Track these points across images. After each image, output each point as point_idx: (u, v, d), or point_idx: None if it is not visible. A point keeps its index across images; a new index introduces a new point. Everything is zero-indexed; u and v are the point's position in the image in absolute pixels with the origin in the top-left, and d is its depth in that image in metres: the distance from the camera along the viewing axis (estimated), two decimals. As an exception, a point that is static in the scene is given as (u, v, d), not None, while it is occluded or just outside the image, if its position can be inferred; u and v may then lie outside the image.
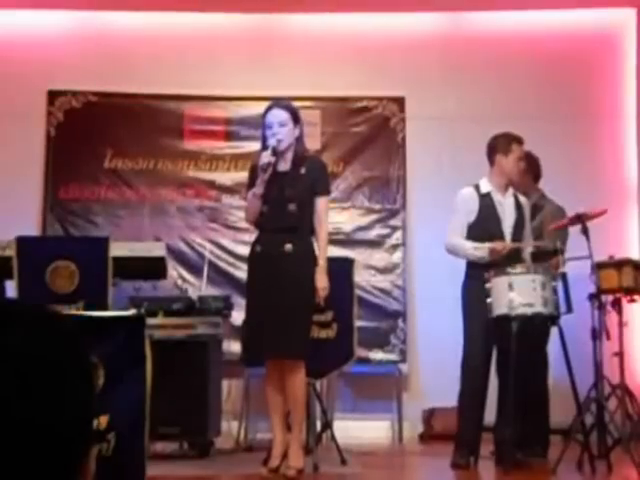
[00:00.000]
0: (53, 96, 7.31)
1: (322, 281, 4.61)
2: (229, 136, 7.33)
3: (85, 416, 0.94)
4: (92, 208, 7.23)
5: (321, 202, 4.71)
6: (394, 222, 7.25)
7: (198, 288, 6.57)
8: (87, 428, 0.95)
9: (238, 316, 5.88)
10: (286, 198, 4.64)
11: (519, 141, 5.30)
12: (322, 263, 4.63)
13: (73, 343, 1.02)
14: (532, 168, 5.80)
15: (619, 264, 5.22)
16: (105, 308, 4.85)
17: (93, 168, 7.25)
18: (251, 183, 4.73)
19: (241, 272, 6.71)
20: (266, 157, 4.58)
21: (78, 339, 1.03)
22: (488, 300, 4.93)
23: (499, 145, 5.27)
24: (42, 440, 0.91)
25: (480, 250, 5.10)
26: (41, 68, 7.28)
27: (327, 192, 4.81)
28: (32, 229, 6.94)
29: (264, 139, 4.71)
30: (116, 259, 5.17)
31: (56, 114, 7.29)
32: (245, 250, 5.98)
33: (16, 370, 0.93)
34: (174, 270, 6.99)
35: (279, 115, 4.68)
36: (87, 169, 7.25)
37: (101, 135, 7.28)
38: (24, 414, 0.91)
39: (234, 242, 7.16)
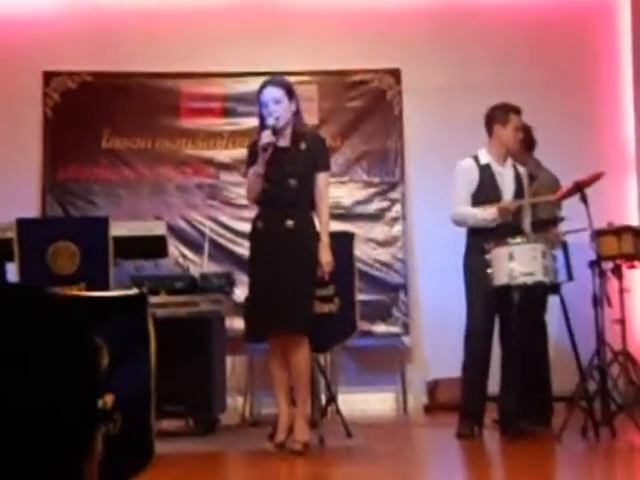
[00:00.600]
0: (49, 77, 7.28)
1: (326, 256, 4.61)
2: (226, 113, 7.32)
3: (89, 397, 0.95)
4: (91, 188, 7.22)
5: (322, 177, 4.71)
6: (393, 195, 7.25)
7: (199, 266, 6.58)
8: (91, 409, 0.95)
9: (240, 293, 5.90)
10: (286, 174, 4.63)
11: (517, 111, 5.29)
12: (325, 239, 4.63)
13: (75, 325, 1.02)
14: (525, 138, 5.80)
15: (618, 231, 5.22)
16: (107, 288, 4.86)
17: (91, 148, 7.24)
18: (251, 161, 4.72)
19: (242, 248, 6.72)
20: (266, 137, 4.57)
21: (80, 320, 1.04)
22: (489, 271, 4.95)
23: (497, 115, 5.27)
24: (47, 421, 0.91)
25: (490, 212, 5.10)
26: (36, 49, 7.25)
27: (327, 167, 4.80)
28: (32, 211, 6.94)
29: (261, 118, 4.70)
30: (117, 239, 5.18)
31: (52, 95, 7.26)
32: (245, 226, 5.99)
33: (19, 353, 0.94)
34: (175, 248, 7.00)
35: (273, 92, 4.66)
36: (85, 149, 7.24)
37: (98, 115, 7.26)
38: (28, 396, 0.92)
39: (234, 219, 7.16)
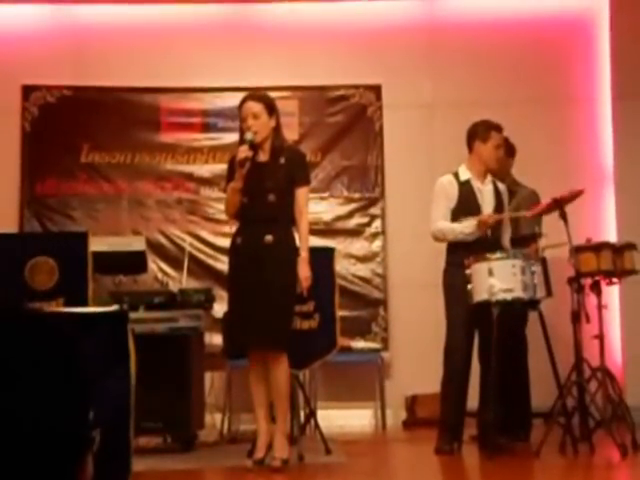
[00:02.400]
0: (28, 91, 7.26)
1: (305, 271, 4.60)
2: (206, 128, 7.31)
3: (79, 416, 0.94)
4: (69, 203, 7.20)
5: (301, 192, 4.70)
6: (373, 210, 7.27)
7: (179, 281, 6.56)
8: (82, 429, 0.94)
9: (219, 308, 5.88)
10: (265, 189, 4.63)
11: (498, 129, 5.31)
12: (304, 254, 4.62)
13: (62, 340, 1.02)
14: (512, 153, 5.88)
15: (597, 247, 5.25)
16: (86, 304, 4.83)
17: (69, 162, 7.22)
18: (230, 176, 4.72)
19: (221, 264, 6.71)
20: (243, 152, 4.57)
21: (66, 336, 1.03)
22: (468, 286, 4.96)
23: (478, 132, 5.29)
24: (39, 440, 0.90)
25: (468, 227, 5.11)
26: (15, 63, 7.22)
27: (307, 182, 4.80)
28: (9, 225, 6.90)
29: (241, 132, 4.70)
30: (96, 254, 5.15)
31: (31, 109, 7.24)
32: (225, 242, 5.97)
33: (8, 373, 0.93)
34: (154, 264, 6.98)
35: (253, 107, 4.67)
36: (63, 164, 7.22)
37: (77, 129, 7.24)
38: (19, 414, 0.91)
39: (214, 234, 7.15)
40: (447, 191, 5.25)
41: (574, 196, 5.17)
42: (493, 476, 4.57)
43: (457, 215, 5.20)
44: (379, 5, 7.40)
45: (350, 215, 7.28)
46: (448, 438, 5.13)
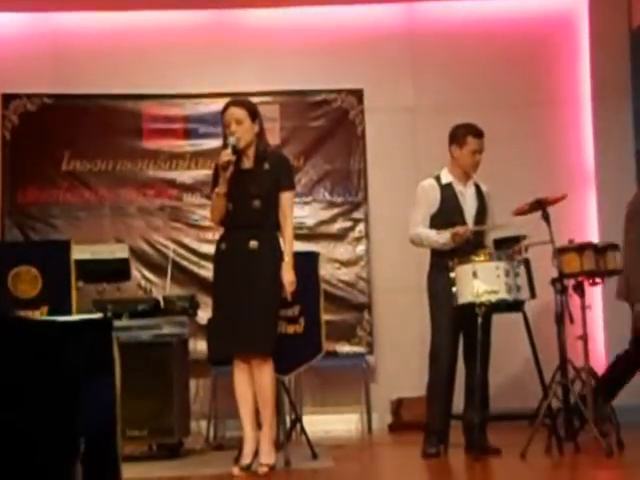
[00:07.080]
0: (7, 99, 7.23)
1: (289, 276, 4.60)
2: (188, 134, 7.30)
3: (64, 426, 0.93)
4: (51, 211, 7.16)
5: (286, 197, 4.70)
6: (356, 215, 7.28)
7: (162, 288, 6.54)
8: (68, 439, 0.94)
9: (204, 315, 5.87)
10: (250, 195, 4.63)
11: (477, 134, 5.25)
12: (288, 259, 4.62)
13: (46, 350, 1.01)
14: None
15: (580, 248, 5.27)
16: (69, 312, 4.82)
17: (51, 171, 7.18)
18: (215, 183, 4.71)
19: (205, 271, 6.70)
20: (226, 156, 4.57)
21: (51, 346, 1.02)
22: (453, 289, 4.96)
23: (456, 136, 5.28)
24: (24, 450, 0.90)
25: (443, 236, 5.12)
26: (-6, 72, 7.20)
27: (292, 187, 4.80)
28: (-10, 235, 6.87)
29: (225, 138, 4.70)
30: (78, 262, 5.13)
31: (11, 118, 7.21)
32: (208, 248, 5.98)
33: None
34: (137, 271, 6.95)
35: (236, 112, 4.67)
36: (45, 172, 7.18)
37: (58, 137, 7.21)
38: (1, 425, 0.90)
39: (197, 241, 7.14)
40: (429, 195, 5.25)
41: (557, 200, 5.19)
42: (480, 478, 4.58)
43: (440, 218, 5.20)
44: (360, 9, 7.41)
45: (333, 219, 7.28)
46: (434, 441, 5.13)
